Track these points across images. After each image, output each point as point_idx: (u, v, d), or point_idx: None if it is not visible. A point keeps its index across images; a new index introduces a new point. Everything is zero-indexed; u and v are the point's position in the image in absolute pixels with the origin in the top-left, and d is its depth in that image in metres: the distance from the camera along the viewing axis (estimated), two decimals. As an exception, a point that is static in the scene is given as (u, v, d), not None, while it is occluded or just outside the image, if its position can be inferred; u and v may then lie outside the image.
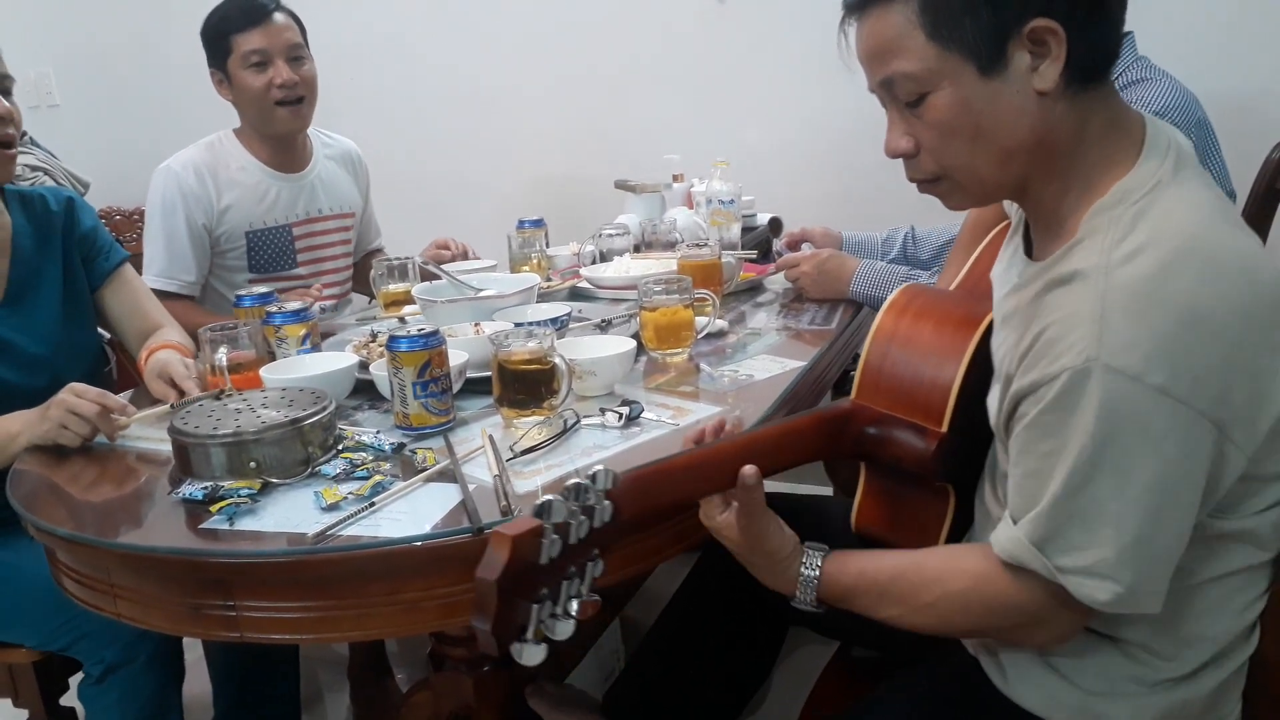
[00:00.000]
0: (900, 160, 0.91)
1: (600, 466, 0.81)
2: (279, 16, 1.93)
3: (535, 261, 1.98)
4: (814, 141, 2.45)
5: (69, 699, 1.47)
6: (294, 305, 1.47)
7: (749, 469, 0.91)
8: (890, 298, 1.07)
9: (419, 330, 1.21)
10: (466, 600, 0.99)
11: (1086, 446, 0.78)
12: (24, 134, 2.64)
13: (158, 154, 2.03)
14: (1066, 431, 0.79)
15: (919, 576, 0.92)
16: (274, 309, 1.46)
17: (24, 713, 1.47)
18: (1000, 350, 0.94)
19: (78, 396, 1.27)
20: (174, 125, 2.34)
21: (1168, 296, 0.77)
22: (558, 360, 1.23)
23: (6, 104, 1.42)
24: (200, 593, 1.00)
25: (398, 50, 2.91)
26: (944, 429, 0.97)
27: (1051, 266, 0.86)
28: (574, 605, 0.78)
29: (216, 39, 1.94)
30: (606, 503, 0.80)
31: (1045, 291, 0.85)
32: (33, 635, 1.40)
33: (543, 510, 0.76)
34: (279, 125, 1.96)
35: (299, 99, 1.95)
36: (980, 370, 0.97)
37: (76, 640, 1.36)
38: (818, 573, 0.95)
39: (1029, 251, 0.94)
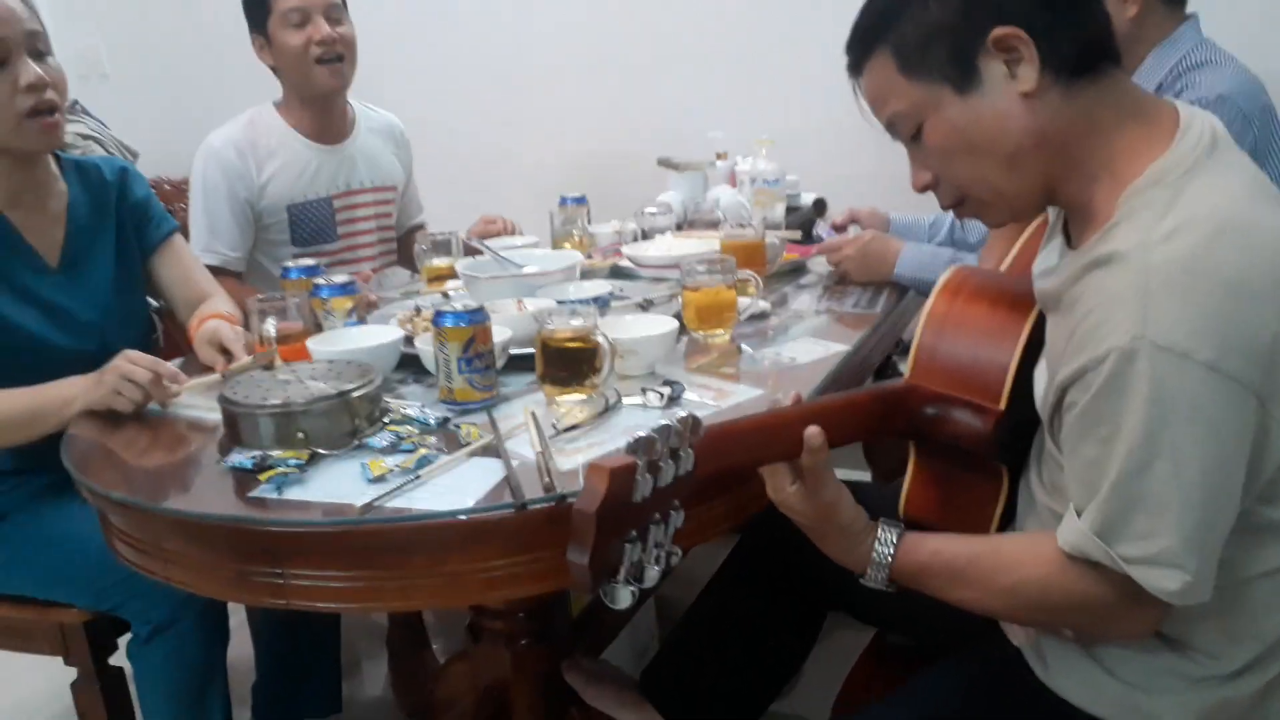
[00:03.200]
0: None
1: (685, 411, 0.81)
2: None
3: (577, 239, 1.98)
4: (860, 121, 2.42)
5: (117, 659, 1.51)
6: (341, 278, 1.48)
7: (813, 429, 0.91)
8: (942, 279, 1.06)
9: (464, 306, 1.21)
10: (508, 575, 1.01)
11: (1140, 430, 0.78)
12: (74, 102, 2.68)
13: (207, 124, 2.05)
14: (1120, 416, 0.79)
15: (996, 560, 0.91)
16: (321, 282, 1.48)
17: (73, 671, 1.51)
18: (1050, 335, 0.93)
19: (132, 363, 1.29)
20: (222, 95, 2.35)
21: (1210, 272, 0.77)
22: (600, 339, 1.23)
23: (38, 70, 1.38)
24: (249, 560, 1.02)
25: (441, 26, 2.91)
26: (1002, 407, 0.96)
27: (1090, 250, 0.85)
28: (661, 554, 0.78)
29: (256, 2, 1.96)
30: (689, 451, 0.80)
31: (1085, 273, 0.85)
32: (83, 595, 1.44)
33: (637, 446, 0.76)
34: (318, 83, 1.97)
35: (338, 56, 1.95)
36: (1035, 351, 0.97)
37: (125, 601, 1.40)
38: (893, 549, 0.94)
39: (1070, 243, 0.94)
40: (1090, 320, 0.81)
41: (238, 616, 1.64)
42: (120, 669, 1.52)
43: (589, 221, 2.04)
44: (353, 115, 2.12)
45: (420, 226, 2.32)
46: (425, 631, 1.96)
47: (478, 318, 1.21)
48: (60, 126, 1.44)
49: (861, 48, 0.93)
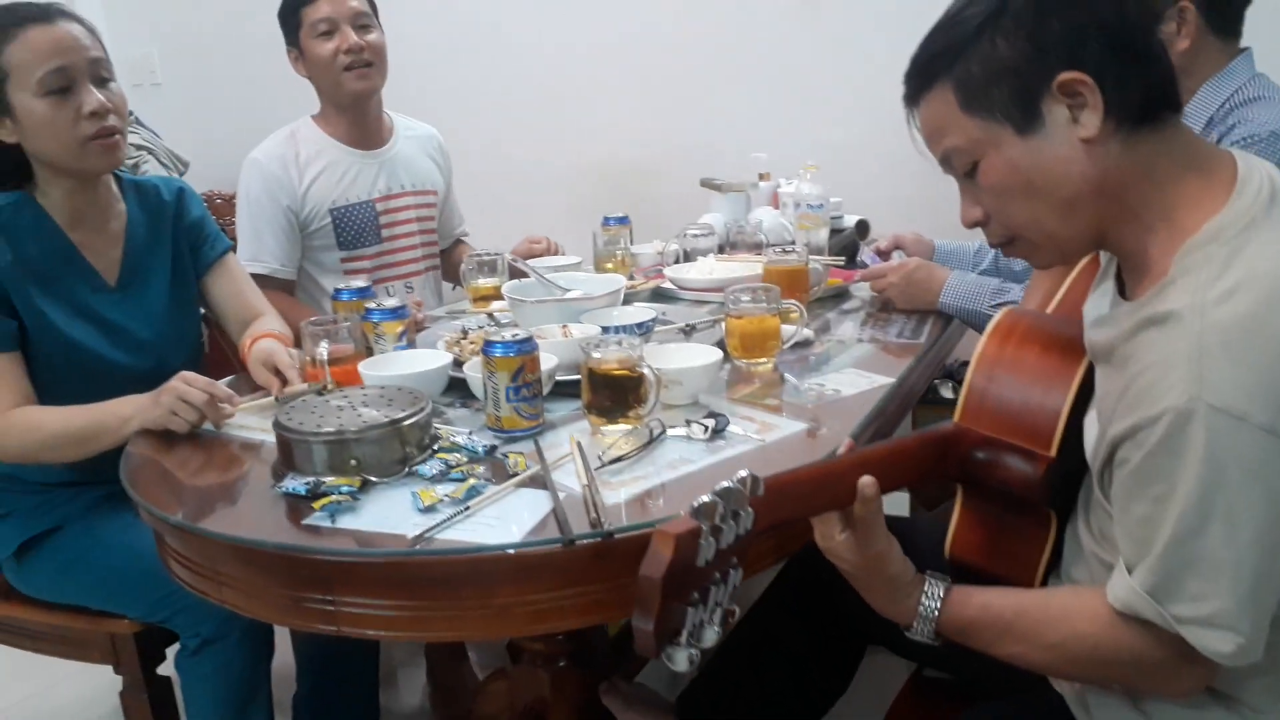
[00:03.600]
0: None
1: (746, 471, 0.81)
2: None
3: (619, 259, 1.99)
4: (904, 142, 2.42)
5: (165, 668, 1.54)
6: (392, 303, 1.51)
7: (867, 479, 0.91)
8: (993, 321, 1.06)
9: (514, 336, 1.23)
10: (553, 608, 1.02)
11: (1195, 491, 0.78)
12: (129, 113, 2.75)
13: (259, 134, 2.09)
14: (1174, 476, 0.79)
15: (1044, 614, 0.91)
16: (372, 305, 1.50)
17: (117, 678, 1.54)
18: (1099, 387, 0.93)
19: (188, 385, 1.32)
20: (275, 105, 2.38)
21: (1268, 333, 0.76)
22: (646, 370, 1.24)
23: (100, 97, 1.42)
24: (302, 586, 1.04)
25: (483, 43, 2.94)
26: (1053, 453, 0.96)
27: (1144, 306, 0.85)
28: (719, 613, 0.79)
29: (289, 15, 2.01)
30: (749, 509, 0.81)
31: (1139, 330, 0.84)
32: (135, 607, 1.47)
33: (700, 511, 0.76)
34: (349, 89, 2.00)
35: (367, 64, 1.99)
36: (1086, 397, 0.97)
37: (175, 614, 1.43)
38: (939, 604, 0.94)
39: (1122, 292, 0.93)
40: (1145, 379, 0.81)
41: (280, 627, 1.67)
42: (168, 678, 1.55)
43: (631, 241, 2.05)
44: (390, 124, 2.16)
45: (463, 238, 2.35)
46: (464, 645, 1.98)
47: (527, 348, 1.22)
48: (120, 147, 1.48)
49: (922, 80, 0.92)
